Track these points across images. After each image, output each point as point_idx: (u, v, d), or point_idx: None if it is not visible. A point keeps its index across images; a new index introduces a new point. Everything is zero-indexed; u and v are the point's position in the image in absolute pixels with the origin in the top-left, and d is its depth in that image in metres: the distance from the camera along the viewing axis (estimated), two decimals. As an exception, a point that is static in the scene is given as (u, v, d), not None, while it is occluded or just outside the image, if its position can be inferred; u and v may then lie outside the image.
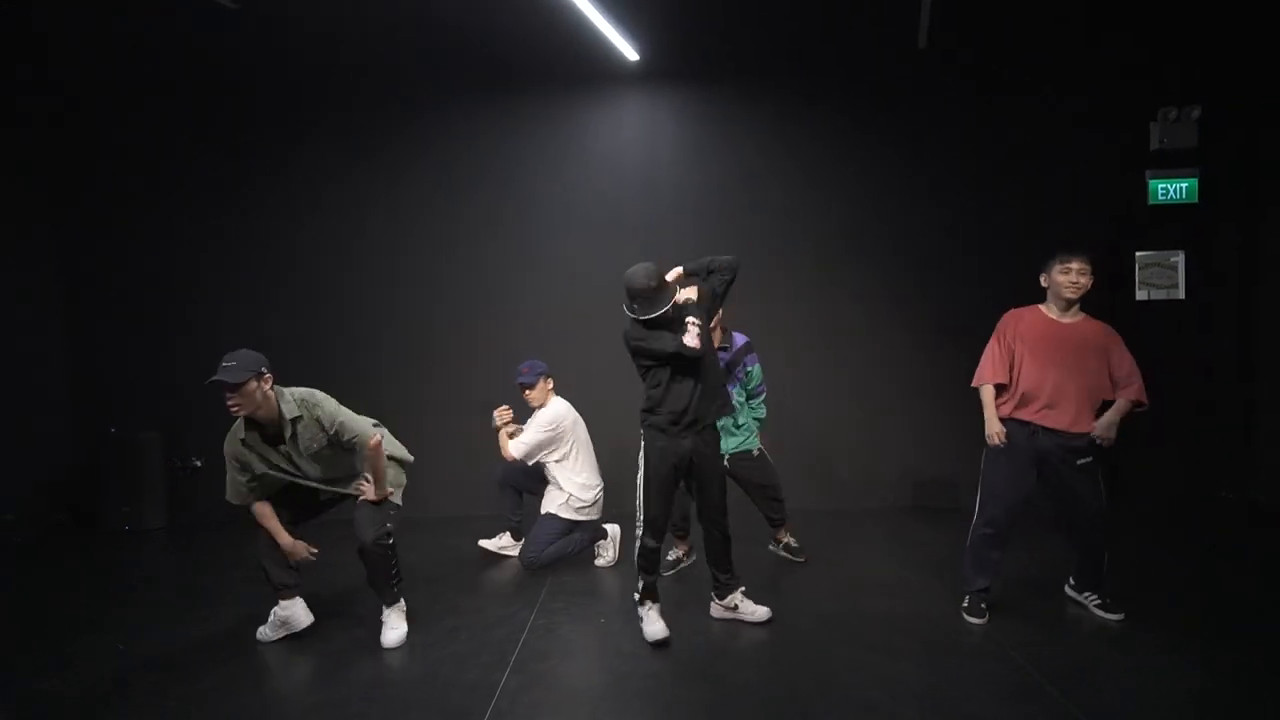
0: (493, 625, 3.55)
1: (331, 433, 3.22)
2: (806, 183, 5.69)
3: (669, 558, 4.25)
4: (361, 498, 3.38)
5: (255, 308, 5.68)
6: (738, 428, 4.13)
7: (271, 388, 3.12)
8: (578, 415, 4.47)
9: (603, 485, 4.49)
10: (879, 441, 5.70)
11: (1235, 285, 5.66)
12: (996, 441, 3.35)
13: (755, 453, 4.20)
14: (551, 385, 4.48)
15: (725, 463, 3.88)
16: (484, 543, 4.66)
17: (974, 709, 2.69)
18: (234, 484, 3.27)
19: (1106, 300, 5.65)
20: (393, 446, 3.56)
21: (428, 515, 4.75)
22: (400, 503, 3.50)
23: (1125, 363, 3.37)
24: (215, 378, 2.99)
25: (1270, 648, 3.12)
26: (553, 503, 4.39)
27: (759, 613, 3.47)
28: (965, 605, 3.50)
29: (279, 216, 5.72)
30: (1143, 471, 5.68)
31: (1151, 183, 5.58)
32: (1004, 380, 3.39)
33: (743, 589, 3.52)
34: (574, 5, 4.73)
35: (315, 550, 3.39)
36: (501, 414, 4.38)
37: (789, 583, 4.06)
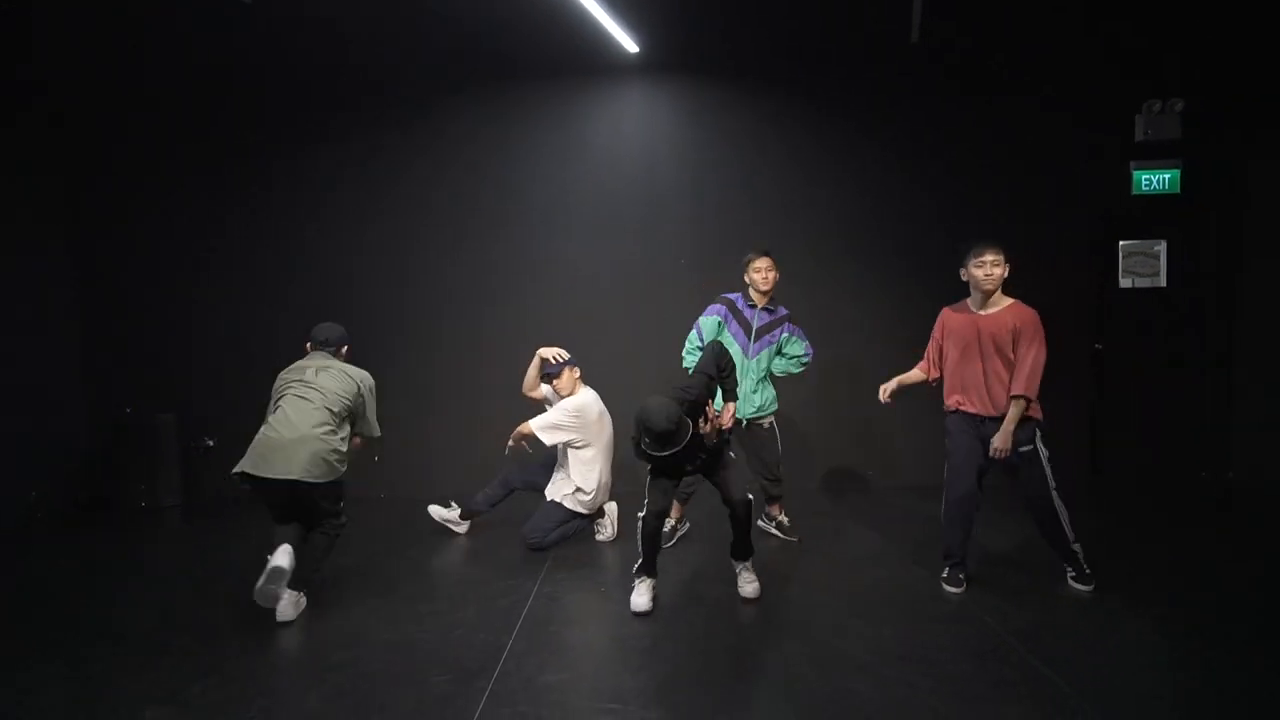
0: (499, 595, 3.75)
1: (355, 404, 3.68)
2: (802, 176, 5.84)
3: (665, 529, 4.44)
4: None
5: (265, 295, 5.85)
6: (754, 393, 4.32)
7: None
8: (605, 410, 4.55)
9: (610, 483, 4.63)
10: (869, 425, 5.89)
11: (1215, 274, 5.85)
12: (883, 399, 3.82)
13: (767, 425, 4.40)
14: (579, 374, 4.59)
15: (743, 425, 4.21)
16: (434, 509, 4.80)
17: (949, 668, 2.90)
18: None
19: (1094, 287, 5.90)
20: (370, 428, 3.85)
21: (434, 498, 4.95)
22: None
23: (1025, 356, 3.48)
24: (317, 338, 3.77)
25: (1235, 615, 3.34)
26: (559, 491, 4.55)
27: (747, 590, 3.63)
28: (944, 575, 3.71)
29: (287, 207, 5.87)
30: (1123, 452, 5.91)
31: (1135, 173, 5.74)
32: (935, 373, 3.77)
33: (747, 566, 3.67)
34: (571, -3, 4.85)
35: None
36: (554, 354, 4.53)
37: (780, 557, 4.27)
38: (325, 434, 3.50)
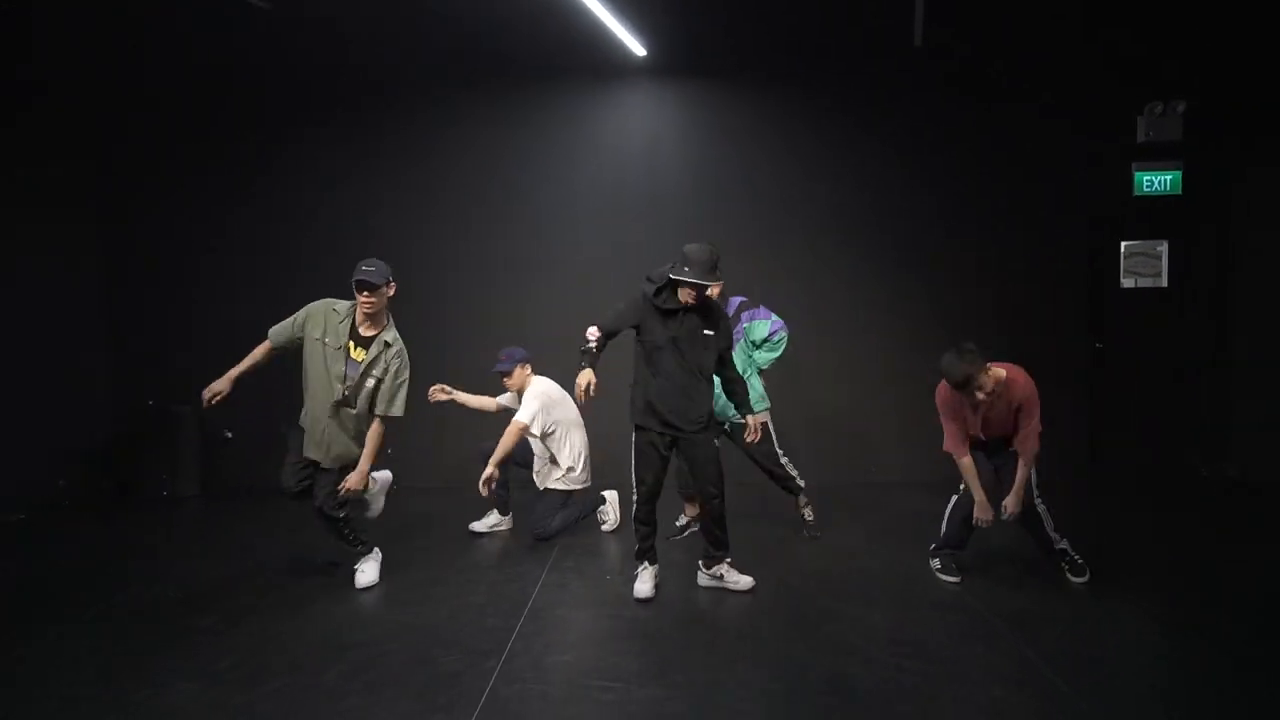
0: (508, 581, 3.91)
1: (386, 379, 3.65)
2: (807, 176, 5.97)
3: (678, 522, 4.58)
4: (345, 486, 3.69)
5: (281, 292, 5.98)
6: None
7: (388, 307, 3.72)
8: (565, 393, 4.67)
9: (589, 454, 4.75)
10: (867, 420, 6.01)
11: (1215, 273, 5.92)
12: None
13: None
14: (529, 370, 4.71)
15: (726, 427, 4.22)
16: (475, 525, 4.79)
17: (939, 652, 3.03)
18: (285, 327, 3.70)
19: (1095, 287, 5.98)
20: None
21: (450, 486, 5.11)
22: (370, 498, 3.95)
23: (1027, 424, 3.56)
24: (358, 278, 3.52)
25: (1228, 608, 3.44)
26: (550, 478, 4.69)
27: (743, 582, 3.70)
28: (939, 565, 3.83)
29: (303, 205, 6.03)
30: (1123, 450, 6.00)
31: (1137, 174, 5.83)
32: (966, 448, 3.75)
33: (729, 560, 3.74)
34: (582, 3, 4.98)
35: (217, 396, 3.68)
36: (436, 392, 4.68)
37: (777, 548, 4.41)
38: None
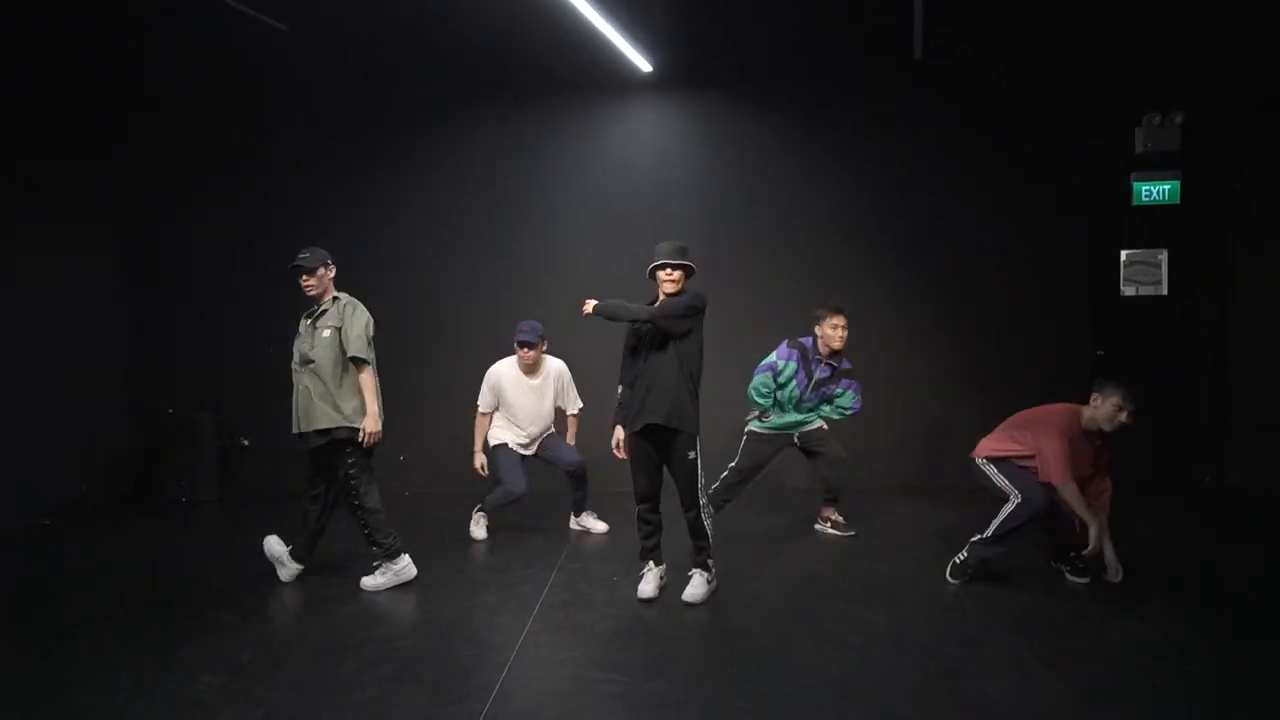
0: (518, 582, 4.01)
1: (345, 325, 3.84)
2: (808, 178, 6.09)
3: (816, 526, 4.85)
4: (364, 430, 3.80)
5: (294, 294, 6.13)
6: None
7: (331, 279, 3.96)
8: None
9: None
10: (867, 422, 6.07)
11: (1214, 281, 5.99)
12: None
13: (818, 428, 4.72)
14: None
15: (795, 439, 4.61)
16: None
17: (936, 648, 3.11)
18: None
19: (1094, 297, 6.06)
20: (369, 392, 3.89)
21: (454, 494, 5.23)
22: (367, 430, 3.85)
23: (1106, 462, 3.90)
24: (294, 264, 3.82)
25: (1227, 610, 3.50)
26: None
27: (691, 594, 3.63)
28: (960, 560, 3.84)
29: (313, 216, 6.15)
30: (1126, 456, 6.03)
31: (1136, 184, 5.91)
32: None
33: (698, 571, 3.70)
34: (589, 19, 5.12)
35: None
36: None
37: (782, 548, 4.50)
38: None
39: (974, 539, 3.82)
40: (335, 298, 3.93)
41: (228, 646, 3.23)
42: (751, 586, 3.87)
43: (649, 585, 3.72)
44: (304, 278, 3.86)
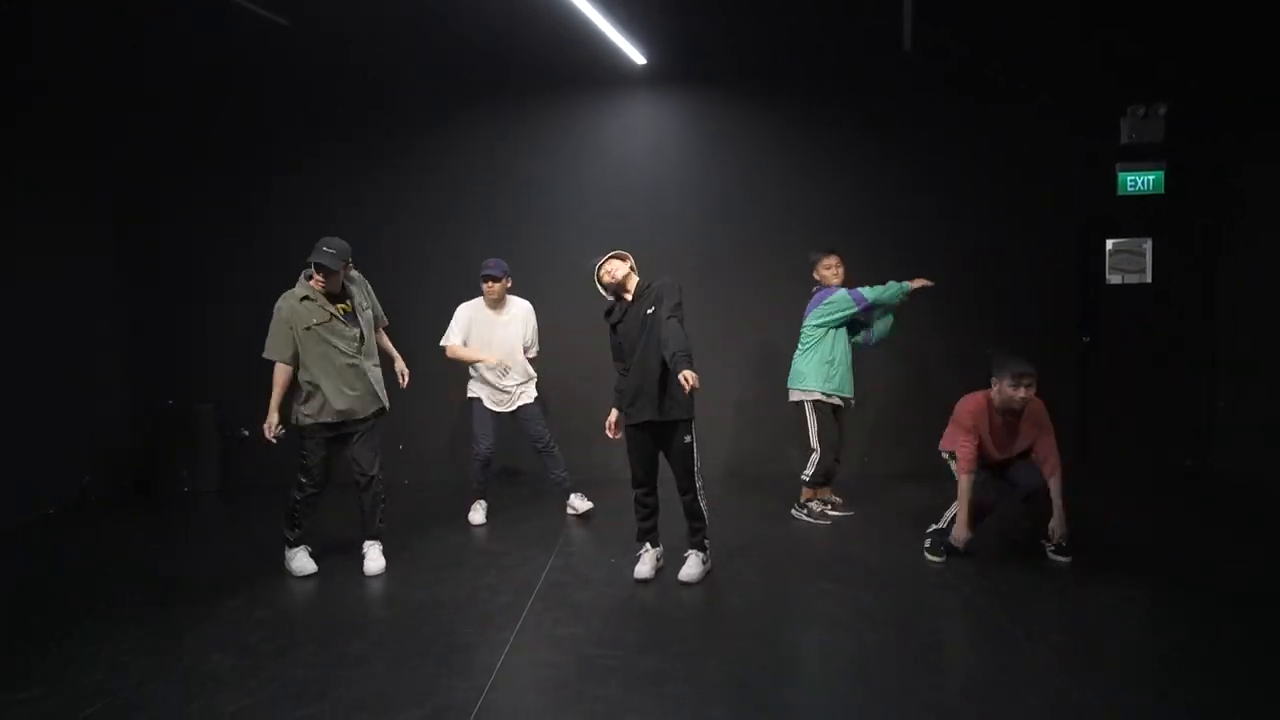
0: (518, 565, 4.12)
1: (370, 301, 4.13)
2: (805, 176, 6.16)
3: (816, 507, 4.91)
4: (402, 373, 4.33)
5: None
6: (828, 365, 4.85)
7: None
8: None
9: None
10: (862, 412, 6.18)
11: (1199, 270, 6.11)
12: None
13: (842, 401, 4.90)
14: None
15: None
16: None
17: (922, 625, 3.24)
18: (282, 339, 3.92)
19: (1079, 285, 6.18)
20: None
21: (452, 483, 5.32)
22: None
23: (1050, 444, 3.92)
24: (317, 260, 3.80)
25: (1203, 588, 3.62)
26: (530, 391, 5.02)
27: (686, 574, 3.76)
28: (927, 546, 4.03)
29: (313, 216, 6.13)
30: (1110, 441, 6.18)
31: (1121, 175, 6.01)
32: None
33: (694, 552, 3.83)
34: (583, 12, 5.18)
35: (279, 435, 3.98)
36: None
37: (774, 532, 4.61)
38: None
39: (930, 529, 4.09)
40: (350, 277, 4.07)
41: (236, 628, 3.33)
42: (746, 567, 3.98)
43: (646, 566, 3.83)
44: (320, 275, 3.87)
